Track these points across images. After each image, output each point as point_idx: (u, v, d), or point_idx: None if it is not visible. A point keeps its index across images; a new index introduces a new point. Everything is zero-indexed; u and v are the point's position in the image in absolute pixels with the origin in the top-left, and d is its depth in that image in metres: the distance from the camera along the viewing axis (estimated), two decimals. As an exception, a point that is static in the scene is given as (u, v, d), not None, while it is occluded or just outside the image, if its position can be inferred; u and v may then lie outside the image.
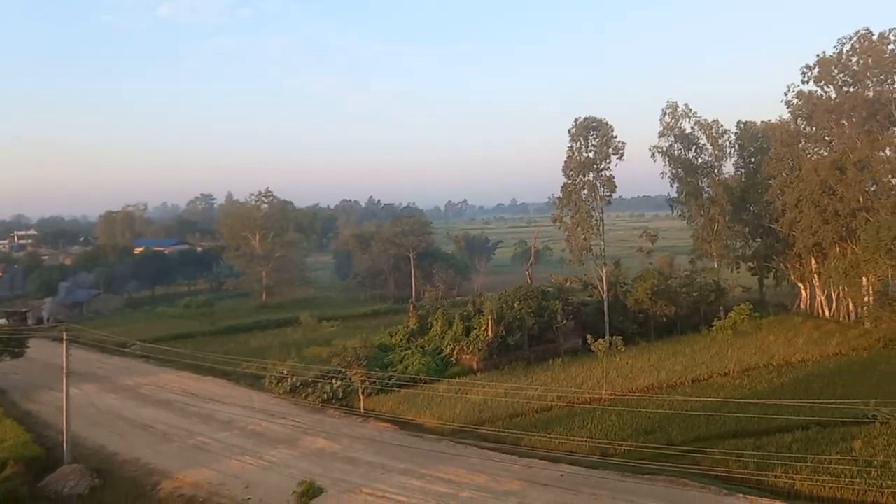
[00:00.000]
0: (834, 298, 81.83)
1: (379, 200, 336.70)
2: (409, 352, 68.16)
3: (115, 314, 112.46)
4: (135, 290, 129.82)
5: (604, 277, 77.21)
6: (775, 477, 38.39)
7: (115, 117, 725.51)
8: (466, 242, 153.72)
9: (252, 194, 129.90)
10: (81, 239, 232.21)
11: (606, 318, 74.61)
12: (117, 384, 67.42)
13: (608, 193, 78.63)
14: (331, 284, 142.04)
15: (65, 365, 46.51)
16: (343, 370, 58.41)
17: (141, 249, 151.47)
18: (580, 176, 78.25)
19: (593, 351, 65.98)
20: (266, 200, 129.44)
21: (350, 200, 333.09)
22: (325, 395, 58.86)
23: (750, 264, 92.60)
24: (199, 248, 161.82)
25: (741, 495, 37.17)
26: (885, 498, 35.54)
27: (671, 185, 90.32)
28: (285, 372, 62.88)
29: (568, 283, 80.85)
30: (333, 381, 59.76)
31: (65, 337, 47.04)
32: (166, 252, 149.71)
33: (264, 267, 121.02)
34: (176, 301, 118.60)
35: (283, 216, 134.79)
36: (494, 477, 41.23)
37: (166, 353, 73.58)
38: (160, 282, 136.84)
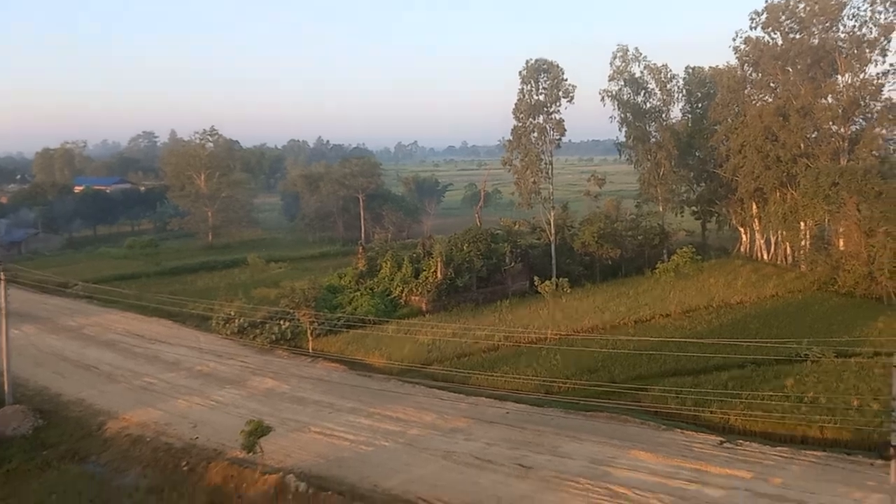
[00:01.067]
0: (773, 242, 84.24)
1: (328, 141, 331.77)
2: (358, 293, 68.25)
3: (55, 254, 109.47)
4: (76, 229, 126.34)
5: (552, 221, 78.02)
6: (711, 413, 40.02)
7: (51, 52, 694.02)
8: (416, 185, 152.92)
9: (196, 133, 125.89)
10: (18, 177, 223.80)
11: (554, 261, 75.67)
12: (59, 325, 66.09)
13: (557, 137, 78.97)
14: (278, 225, 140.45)
15: (2, 304, 45.30)
16: (291, 311, 58.25)
17: (81, 188, 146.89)
18: (530, 119, 78.29)
19: (540, 293, 67.12)
20: (211, 139, 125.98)
21: (298, 140, 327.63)
22: (274, 336, 58.79)
23: (694, 209, 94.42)
24: (142, 188, 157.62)
25: (679, 430, 38.64)
26: (812, 431, 37.40)
27: (620, 130, 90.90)
28: (233, 313, 62.41)
29: (517, 227, 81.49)
30: (282, 322, 59.63)
31: (2, 276, 45.69)
32: (108, 191, 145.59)
33: (210, 207, 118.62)
34: (119, 241, 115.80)
35: (229, 155, 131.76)
36: (442, 415, 42.01)
37: (110, 293, 72.26)
38: (102, 221, 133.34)
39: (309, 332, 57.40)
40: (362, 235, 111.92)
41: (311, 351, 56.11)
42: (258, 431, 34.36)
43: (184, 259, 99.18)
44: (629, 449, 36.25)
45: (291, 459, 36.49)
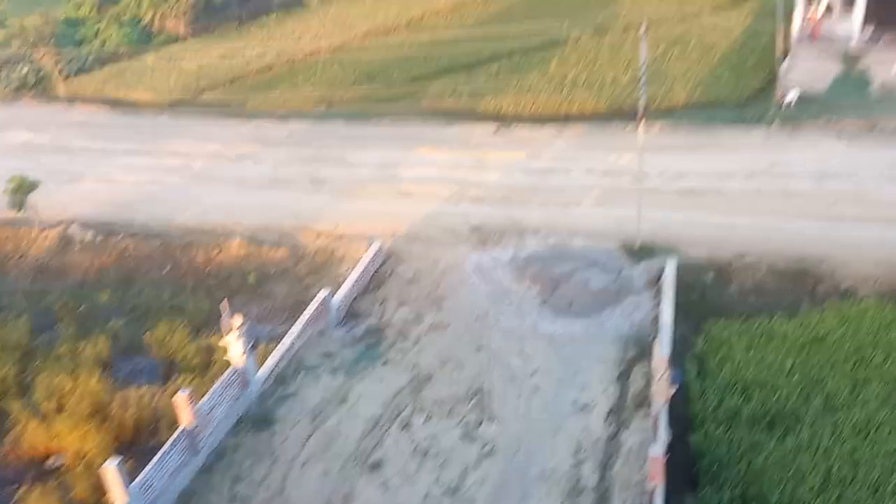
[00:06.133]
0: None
1: None
2: (104, 24, 60.83)
3: None
4: None
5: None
6: (486, 104, 41.97)
7: None
8: None
9: None
10: None
11: (316, -35, 70.79)
12: None
13: None
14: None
15: None
16: (28, 52, 51.27)
17: None
18: None
19: (307, 3, 63.59)
20: None
21: None
22: (15, 84, 52.03)
23: None
24: None
25: (458, 124, 40.43)
26: (574, 108, 40.59)
27: None
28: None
29: (270, -72, 74.05)
30: (20, 66, 52.53)
31: None
32: None
33: None
34: None
35: None
36: (225, 143, 40.81)
37: None
38: None
39: (56, 74, 51.32)
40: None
41: (63, 95, 50.65)
42: (24, 188, 31.67)
43: None
44: (414, 148, 37.74)
45: (71, 211, 34.41)
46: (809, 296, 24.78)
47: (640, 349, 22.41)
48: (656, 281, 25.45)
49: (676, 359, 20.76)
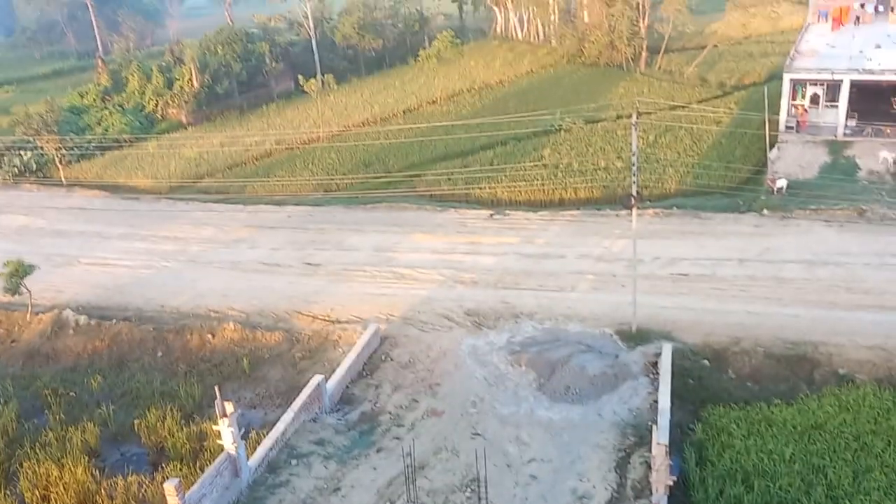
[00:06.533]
0: (525, 20, 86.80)
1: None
2: (107, 112, 62.15)
3: None
4: None
5: (309, 14, 74.11)
6: (480, 190, 42.67)
7: None
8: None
9: None
10: None
11: (316, 57, 72.94)
12: None
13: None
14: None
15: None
16: (31, 139, 52.20)
17: None
18: None
19: (307, 92, 65.28)
20: None
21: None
22: (16, 169, 52.72)
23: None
24: None
25: (453, 210, 40.97)
26: (568, 194, 41.26)
27: None
28: (-40, 150, 54.73)
29: (273, 23, 76.66)
30: (22, 152, 53.35)
31: None
32: None
33: None
34: None
35: None
36: (221, 227, 41.14)
37: None
38: None
39: (57, 159, 52.13)
40: (99, 47, 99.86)
41: (63, 180, 51.30)
42: (20, 271, 31.65)
43: None
44: (409, 233, 38.08)
45: (65, 295, 34.48)
46: (807, 381, 24.68)
47: (639, 436, 22.09)
48: (653, 366, 25.29)
49: (675, 446, 20.45)
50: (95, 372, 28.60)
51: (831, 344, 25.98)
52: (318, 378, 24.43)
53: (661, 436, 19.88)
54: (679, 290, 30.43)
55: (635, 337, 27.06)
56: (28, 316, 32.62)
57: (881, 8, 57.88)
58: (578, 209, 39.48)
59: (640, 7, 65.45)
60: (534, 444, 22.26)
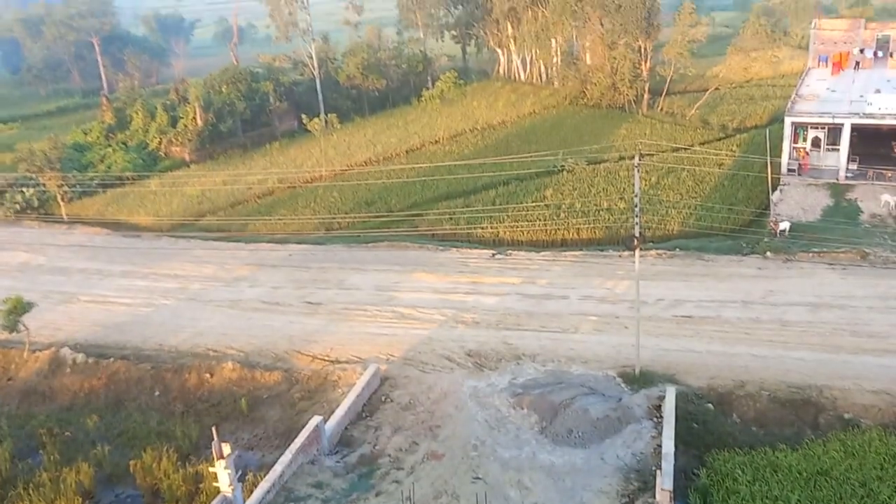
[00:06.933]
0: (528, 62, 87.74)
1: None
2: (110, 149, 62.55)
3: None
4: None
5: (313, 54, 75.01)
6: (482, 229, 42.66)
7: None
8: (159, 23, 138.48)
9: None
10: None
11: (320, 97, 73.63)
12: None
13: (309, -38, 74.57)
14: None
15: None
16: (34, 176, 52.39)
17: None
18: (277, -58, 72.91)
19: (310, 131, 65.75)
20: None
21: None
22: (18, 206, 52.79)
23: (453, 32, 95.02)
24: None
25: (455, 249, 40.89)
26: (570, 234, 41.24)
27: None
28: (-37, 185, 54.86)
29: (277, 63, 77.61)
30: (24, 189, 53.48)
31: None
32: None
33: None
34: None
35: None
36: (222, 265, 41.02)
37: None
38: None
39: (59, 196, 52.25)
40: (104, 85, 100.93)
41: (65, 217, 51.38)
42: (18, 308, 31.46)
43: None
44: (411, 272, 37.93)
45: (64, 333, 34.23)
46: (812, 426, 24.37)
47: (643, 481, 21.69)
48: (657, 410, 24.96)
49: (680, 491, 20.09)
50: (91, 411, 28.28)
51: (836, 388, 25.67)
52: (316, 419, 24.10)
53: (665, 481, 19.52)
54: (683, 332, 30.18)
55: (639, 380, 26.75)
56: (25, 354, 32.34)
57: (880, 54, 58.59)
58: (581, 250, 39.41)
59: (642, 50, 66.22)
60: (536, 489, 21.84)
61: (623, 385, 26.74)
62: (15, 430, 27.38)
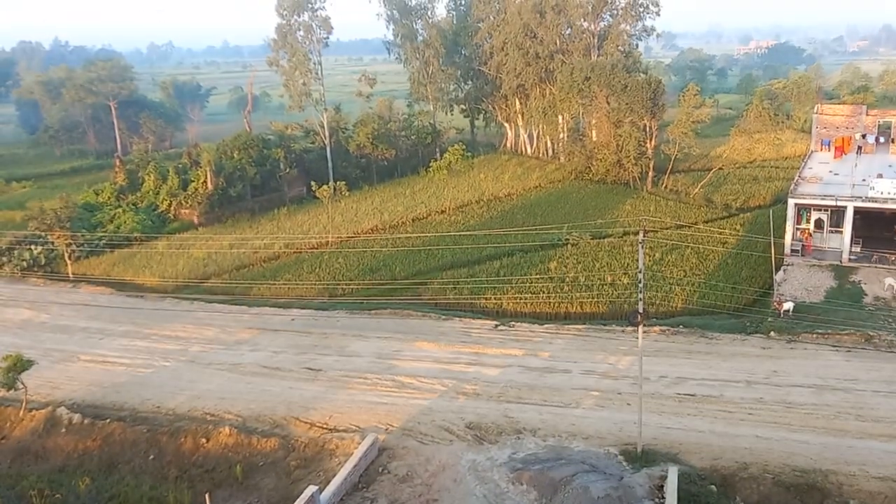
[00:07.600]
0: (535, 137, 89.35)
1: (67, 42, 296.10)
2: (120, 210, 63.33)
3: None
4: None
5: (325, 123, 76.60)
6: (486, 300, 42.69)
7: None
8: (176, 89, 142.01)
9: None
10: None
11: (330, 165, 74.85)
12: None
13: (325, 35, 76.83)
14: (17, 140, 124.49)
15: None
16: (43, 234, 52.90)
17: None
18: (294, 16, 75.19)
19: (318, 198, 66.42)
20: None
21: (31, 42, 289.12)
22: (25, 263, 53.20)
23: (462, 106, 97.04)
24: None
25: (458, 319, 40.82)
26: (574, 307, 41.21)
27: (387, 28, 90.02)
28: (-28, 241, 55.36)
29: (289, 130, 79.14)
30: (33, 247, 53.96)
31: None
32: None
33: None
34: None
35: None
36: (224, 328, 40.96)
37: None
38: None
39: (66, 255, 52.65)
40: (118, 147, 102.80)
41: (70, 275, 51.65)
42: (18, 366, 31.31)
43: None
44: (413, 341, 37.78)
45: (61, 391, 33.98)
46: (818, 513, 23.77)
47: (643, 566, 21.08)
48: (658, 490, 24.45)
49: (682, 578, 19.48)
50: (84, 473, 27.75)
51: (841, 473, 25.18)
52: (311, 489, 23.63)
53: (667, 566, 18.97)
54: (686, 410, 29.81)
55: (640, 458, 26.29)
56: (21, 412, 32.02)
57: (882, 139, 59.50)
58: (584, 323, 39.28)
59: (648, 128, 67.45)
60: (533, 570, 21.23)
61: (625, 463, 26.27)
62: (5, 490, 26.86)
